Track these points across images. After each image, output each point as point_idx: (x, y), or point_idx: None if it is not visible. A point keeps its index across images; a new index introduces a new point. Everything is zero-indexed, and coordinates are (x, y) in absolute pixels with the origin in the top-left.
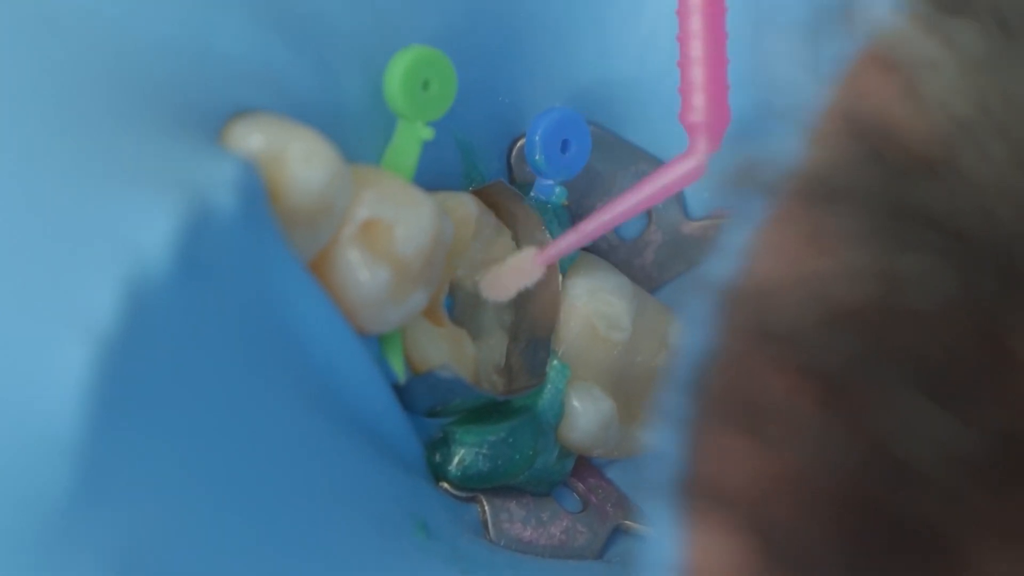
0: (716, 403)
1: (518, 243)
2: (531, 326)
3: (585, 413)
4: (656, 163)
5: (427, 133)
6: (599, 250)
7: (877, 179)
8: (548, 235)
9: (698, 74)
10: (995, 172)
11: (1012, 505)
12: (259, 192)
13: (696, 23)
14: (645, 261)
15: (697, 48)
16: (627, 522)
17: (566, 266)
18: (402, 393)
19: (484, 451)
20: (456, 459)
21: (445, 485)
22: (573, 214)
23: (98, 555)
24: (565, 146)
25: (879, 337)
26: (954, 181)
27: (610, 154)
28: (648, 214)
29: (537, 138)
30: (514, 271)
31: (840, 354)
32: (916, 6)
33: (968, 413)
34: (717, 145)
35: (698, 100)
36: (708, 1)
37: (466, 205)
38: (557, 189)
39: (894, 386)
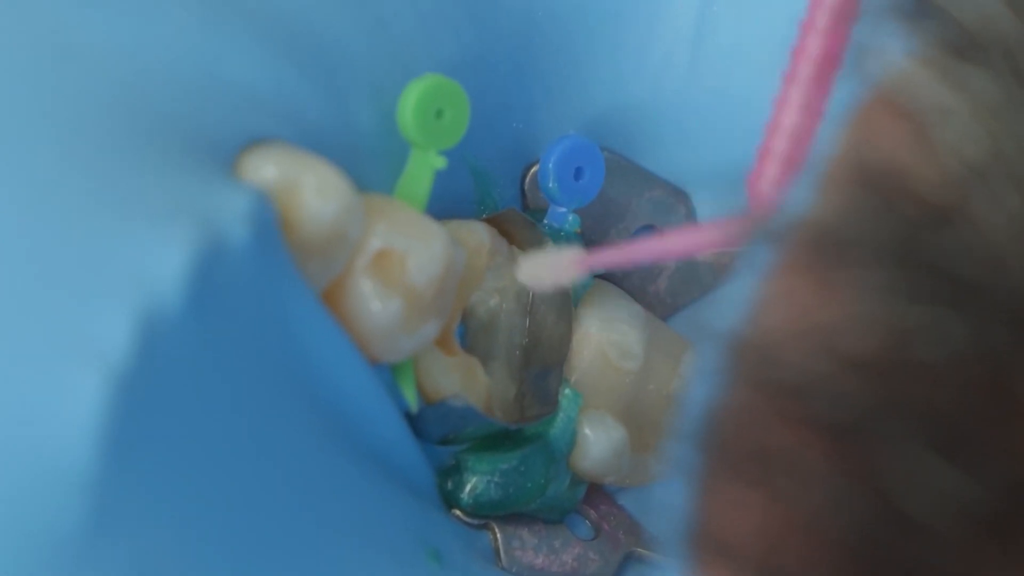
0: (725, 454)
1: None
2: (543, 354)
3: (597, 441)
4: (670, 189)
5: (440, 162)
6: (612, 277)
7: (887, 229)
8: None
9: (782, 145)
10: (1007, 221)
11: (1020, 556)
12: (272, 224)
13: (798, 94)
14: (658, 288)
15: (791, 118)
16: (639, 549)
17: (579, 295)
18: (414, 422)
19: (496, 479)
20: (468, 487)
21: (457, 513)
22: (586, 241)
23: None
24: (579, 173)
25: (888, 389)
26: (966, 231)
27: (624, 181)
28: None
29: (550, 165)
30: (553, 266)
31: (848, 406)
32: (928, 51)
33: (976, 465)
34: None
35: (773, 171)
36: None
37: (479, 233)
38: (571, 216)
39: (902, 439)
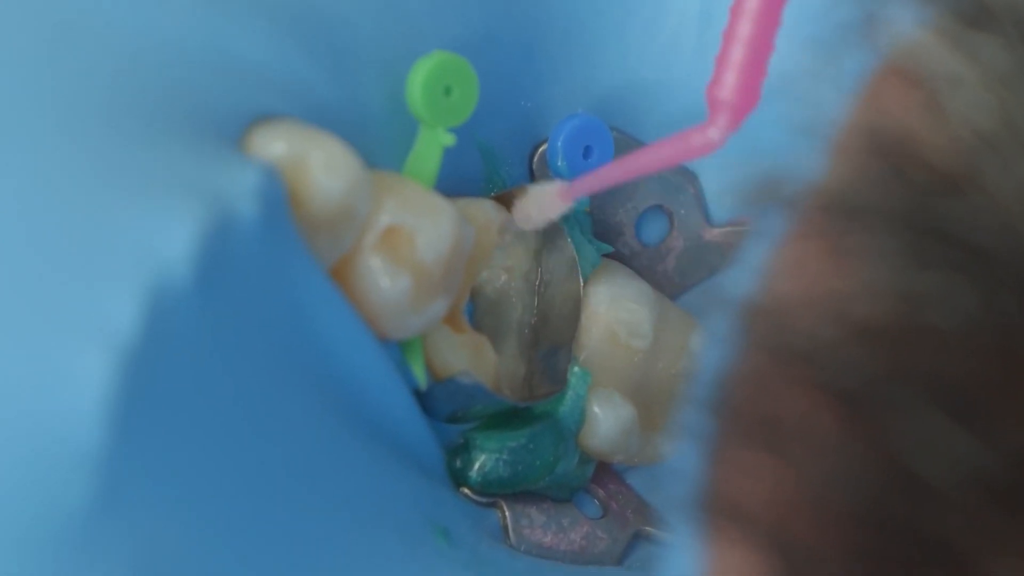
0: (736, 420)
1: (539, 249)
2: (552, 332)
3: (606, 419)
4: (678, 168)
5: (448, 139)
6: (621, 256)
7: (898, 196)
8: (570, 242)
9: (738, 53)
10: (1018, 188)
11: None
12: (280, 200)
13: (753, 2)
14: (667, 267)
15: (746, 28)
16: (647, 528)
17: (588, 272)
18: (423, 399)
19: (504, 457)
20: (477, 465)
21: (465, 491)
22: (595, 220)
23: (116, 565)
24: (587, 152)
25: (899, 355)
26: (977, 197)
27: None
28: (670, 220)
29: (559, 144)
30: (539, 202)
31: (860, 372)
32: (939, 21)
33: (987, 432)
34: (736, 127)
35: (730, 78)
36: None
37: (488, 211)
38: None
39: (914, 404)
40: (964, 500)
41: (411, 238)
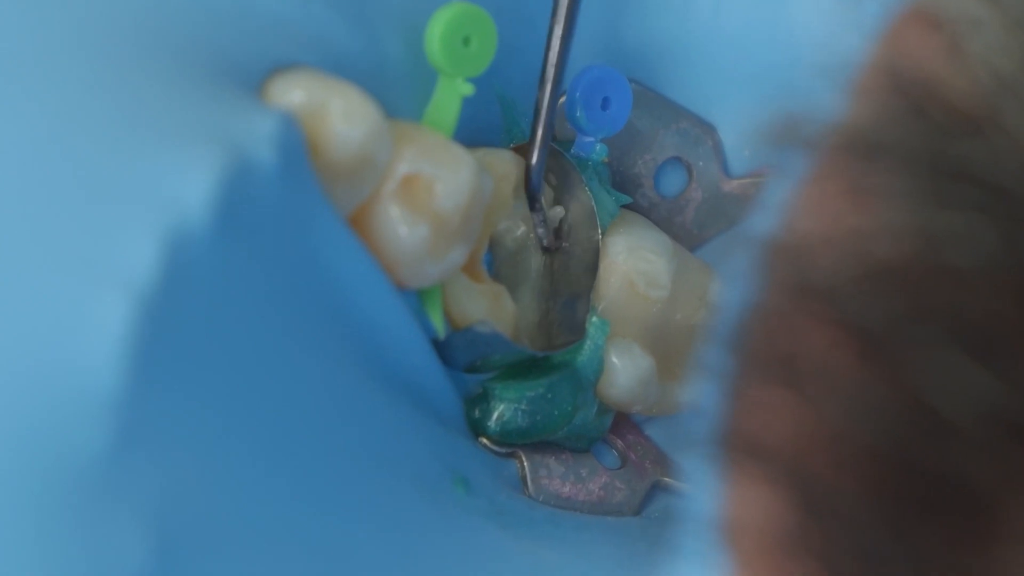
0: (756, 357)
1: (558, 199)
2: (571, 282)
3: (624, 369)
4: (697, 121)
5: (467, 89)
6: (639, 208)
7: (919, 135)
8: (588, 192)
9: None
10: None
11: None
12: (299, 147)
13: None
14: (685, 219)
15: None
16: (665, 479)
17: (607, 223)
18: (441, 348)
19: (523, 407)
20: (495, 415)
21: (484, 441)
22: (614, 172)
23: (136, 508)
24: (606, 103)
25: (919, 294)
26: (996, 138)
27: (651, 111)
28: (689, 172)
29: (578, 95)
30: None
31: (880, 310)
32: None
33: (1006, 370)
34: None
35: None
36: None
37: (507, 162)
38: (598, 146)
39: (933, 342)
40: (983, 437)
41: (430, 187)
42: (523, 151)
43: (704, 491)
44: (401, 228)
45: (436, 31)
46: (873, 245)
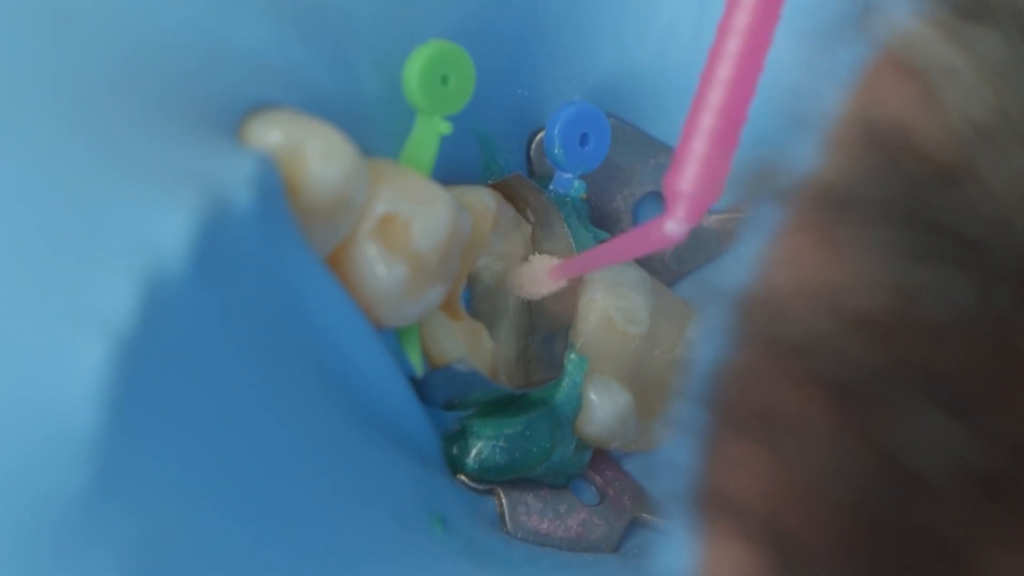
0: (730, 413)
1: (536, 237)
2: (549, 319)
3: (603, 406)
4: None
5: (445, 127)
6: None
7: (893, 188)
8: (567, 229)
9: (701, 145)
10: (1013, 180)
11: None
12: (277, 188)
13: (718, 94)
14: (664, 254)
15: (709, 119)
16: (644, 515)
17: None
18: (420, 386)
19: (501, 444)
20: (473, 452)
21: (462, 478)
22: (593, 207)
23: (112, 553)
24: (584, 140)
25: (893, 348)
26: (971, 189)
27: (630, 147)
28: None
29: (556, 131)
30: (530, 278)
31: (854, 365)
32: (935, 12)
33: (981, 425)
34: (695, 221)
35: (691, 170)
36: (739, 73)
37: (484, 199)
38: (576, 183)
39: (907, 397)
40: (957, 493)
41: (407, 226)
42: (501, 187)
43: (680, 546)
44: (379, 268)
45: (414, 69)
46: (847, 299)
